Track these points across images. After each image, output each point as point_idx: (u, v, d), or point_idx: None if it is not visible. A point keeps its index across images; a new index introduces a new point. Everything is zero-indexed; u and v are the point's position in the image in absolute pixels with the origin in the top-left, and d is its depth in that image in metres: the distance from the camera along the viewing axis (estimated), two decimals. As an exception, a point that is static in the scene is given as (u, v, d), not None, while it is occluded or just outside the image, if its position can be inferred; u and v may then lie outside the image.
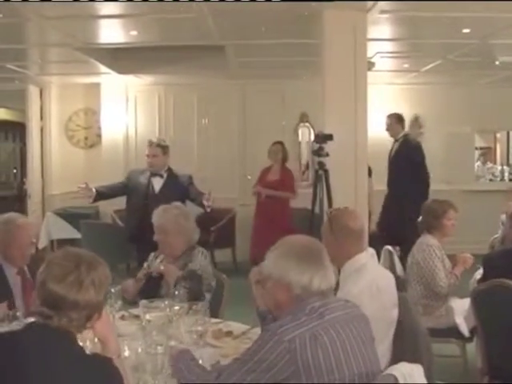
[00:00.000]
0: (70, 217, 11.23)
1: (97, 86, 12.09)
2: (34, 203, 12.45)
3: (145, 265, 5.02)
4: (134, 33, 8.07)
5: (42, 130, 12.74)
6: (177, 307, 3.74)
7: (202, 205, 6.86)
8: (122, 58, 10.19)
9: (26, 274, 4.59)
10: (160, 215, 4.94)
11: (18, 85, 12.46)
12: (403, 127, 9.43)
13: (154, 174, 7.22)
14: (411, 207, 9.21)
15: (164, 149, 7.27)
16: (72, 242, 10.67)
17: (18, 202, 15.97)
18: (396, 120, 9.37)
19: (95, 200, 7.08)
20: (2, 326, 3.61)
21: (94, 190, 6.99)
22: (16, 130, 18.76)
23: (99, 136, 12.34)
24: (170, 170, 7.32)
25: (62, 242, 10.80)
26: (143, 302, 3.85)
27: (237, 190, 10.75)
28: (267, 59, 9.74)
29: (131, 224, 7.26)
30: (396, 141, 9.32)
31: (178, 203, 5.26)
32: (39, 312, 2.54)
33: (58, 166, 12.57)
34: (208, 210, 6.85)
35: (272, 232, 9.62)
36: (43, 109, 12.71)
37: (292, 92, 11.77)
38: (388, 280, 3.87)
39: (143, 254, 6.61)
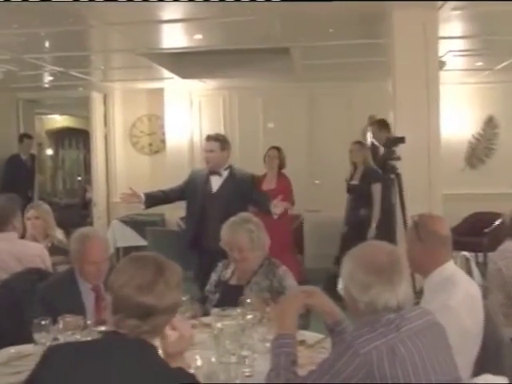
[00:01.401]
0: (136, 224, 11.37)
1: (160, 91, 12.22)
2: (99, 211, 12.65)
3: (213, 276, 5.00)
4: (199, 37, 8.12)
5: (105, 136, 12.95)
6: (250, 316, 3.75)
7: (268, 211, 6.44)
8: (185, 63, 10.29)
9: (100, 290, 4.61)
10: (231, 231, 4.79)
11: (82, 91, 12.70)
12: (389, 132, 9.46)
13: (212, 173, 6.75)
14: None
15: (222, 144, 6.76)
16: (137, 249, 10.81)
17: (83, 209, 16.26)
18: (378, 127, 9.51)
19: (147, 206, 6.72)
20: (75, 335, 3.68)
21: (142, 195, 6.64)
22: (80, 137, 19.11)
23: (163, 142, 12.48)
24: (231, 168, 6.82)
25: (128, 250, 10.94)
26: (215, 310, 3.86)
27: (304, 196, 10.71)
28: (334, 61, 9.71)
29: (189, 228, 6.88)
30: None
31: (246, 214, 5.13)
32: (126, 326, 2.54)
33: (122, 172, 12.75)
34: (275, 217, 6.45)
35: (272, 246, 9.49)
36: (107, 115, 12.92)
37: (360, 94, 11.68)
38: (476, 288, 3.77)
39: (201, 262, 6.53)
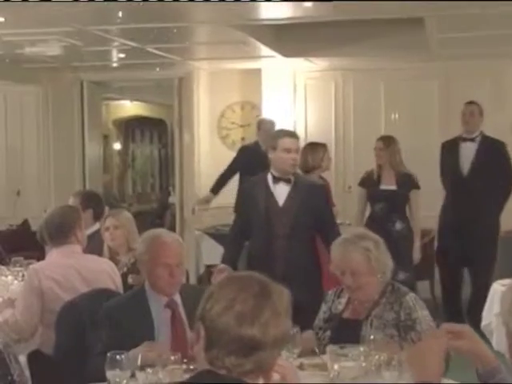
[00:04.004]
0: (223, 238, 11.37)
1: (257, 72, 12.29)
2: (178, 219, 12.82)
3: (323, 307, 5.01)
4: (308, 4, 8.12)
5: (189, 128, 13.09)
6: (376, 356, 3.73)
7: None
8: (289, 37, 10.32)
9: (177, 306, 4.69)
10: (342, 250, 4.80)
11: (160, 73, 12.93)
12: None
13: (276, 180, 6.66)
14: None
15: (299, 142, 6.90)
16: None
17: (159, 218, 16.47)
18: (480, 111, 9.61)
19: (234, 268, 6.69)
20: (157, 375, 3.73)
21: (225, 267, 6.50)
22: (154, 129, 19.38)
23: (260, 136, 12.55)
24: (295, 174, 6.80)
25: (212, 270, 10.98)
26: (331, 347, 3.87)
27: (437, 205, 10.59)
28: (480, 33, 9.55)
29: (255, 250, 6.79)
30: (471, 140, 9.58)
31: (361, 229, 5.11)
32: (223, 365, 2.54)
33: (207, 172, 12.82)
34: None
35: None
36: (190, 102, 13.04)
37: (512, 75, 11.52)
38: None
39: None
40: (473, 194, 9.31)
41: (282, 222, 6.56)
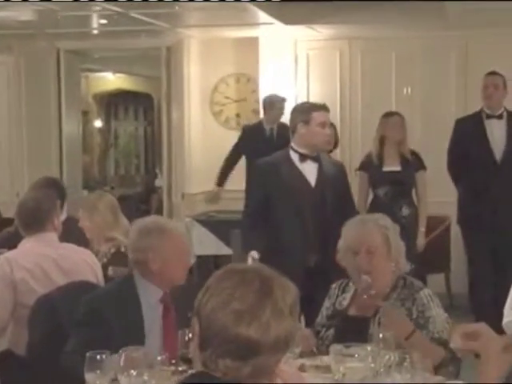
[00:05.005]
0: (216, 225, 11.36)
1: (254, 41, 12.25)
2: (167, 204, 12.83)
3: (326, 303, 5.00)
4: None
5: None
6: (386, 357, 3.73)
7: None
8: (289, 2, 10.28)
9: (168, 299, 4.69)
10: (358, 227, 4.83)
11: (145, 41, 12.89)
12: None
13: (303, 157, 6.71)
14: None
15: None
16: (218, 260, 10.85)
17: (144, 202, 16.46)
18: (504, 83, 9.20)
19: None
20: (142, 376, 3.72)
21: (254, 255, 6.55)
22: (139, 104, 19.37)
23: (257, 112, 12.48)
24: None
25: (204, 260, 10.98)
26: (335, 346, 3.86)
27: (453, 190, 10.60)
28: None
29: (291, 241, 6.67)
30: (497, 117, 9.20)
31: (381, 215, 5.13)
32: (218, 367, 2.53)
33: (199, 153, 12.83)
34: None
35: None
36: (179, 75, 13.02)
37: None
38: None
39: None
40: (508, 182, 9.08)
41: (314, 205, 6.61)
